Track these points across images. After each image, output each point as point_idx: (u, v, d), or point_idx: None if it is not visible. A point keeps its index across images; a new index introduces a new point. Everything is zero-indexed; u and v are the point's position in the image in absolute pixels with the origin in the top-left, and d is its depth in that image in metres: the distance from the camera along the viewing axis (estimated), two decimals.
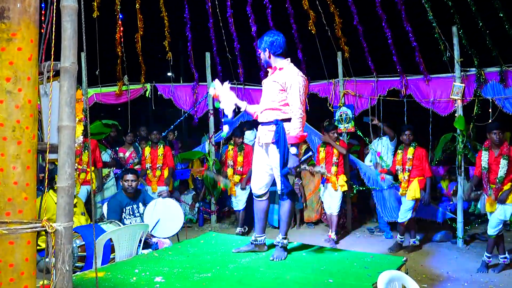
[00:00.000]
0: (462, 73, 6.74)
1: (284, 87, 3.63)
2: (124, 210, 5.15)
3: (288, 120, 3.65)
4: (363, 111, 7.77)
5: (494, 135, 5.42)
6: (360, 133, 7.60)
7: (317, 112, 8.39)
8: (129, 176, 5.21)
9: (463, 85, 6.66)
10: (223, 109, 3.86)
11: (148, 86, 8.35)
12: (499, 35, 6.54)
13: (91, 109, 8.20)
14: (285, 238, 3.81)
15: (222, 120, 4.08)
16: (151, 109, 8.65)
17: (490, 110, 6.68)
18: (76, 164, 6.74)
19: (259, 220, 4.00)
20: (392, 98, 7.51)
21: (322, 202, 7.49)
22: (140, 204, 5.28)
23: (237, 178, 7.54)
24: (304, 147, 7.80)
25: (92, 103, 8.07)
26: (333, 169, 6.79)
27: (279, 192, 3.82)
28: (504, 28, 6.29)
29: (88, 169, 6.85)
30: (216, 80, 4.00)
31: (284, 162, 3.57)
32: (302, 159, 7.42)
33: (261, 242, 3.96)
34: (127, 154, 8.11)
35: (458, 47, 6.70)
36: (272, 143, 3.67)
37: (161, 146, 7.38)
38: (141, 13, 7.99)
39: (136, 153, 8.14)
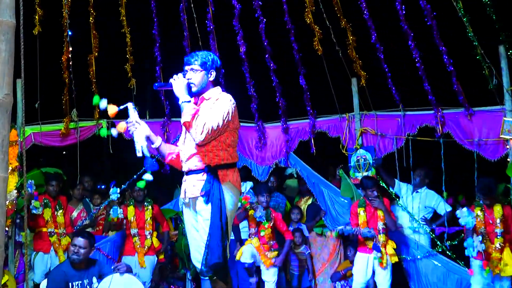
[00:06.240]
0: None
1: None
2: (70, 287, 4.70)
3: (223, 166, 3.28)
4: (386, 154, 6.86)
5: None
6: (383, 184, 6.59)
7: (327, 156, 7.67)
8: (78, 241, 4.65)
9: None
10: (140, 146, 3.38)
11: (103, 123, 7.27)
12: None
13: (29, 153, 7.23)
14: None
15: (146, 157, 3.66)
16: (107, 152, 7.74)
17: None
18: (53, 228, 6.29)
19: None
20: (424, 138, 6.77)
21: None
22: (94, 279, 4.79)
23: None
24: (308, 200, 6.94)
25: (29, 146, 7.22)
26: (381, 237, 5.82)
27: (198, 266, 3.30)
28: None
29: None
30: (130, 103, 3.42)
31: (217, 222, 3.13)
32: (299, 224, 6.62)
33: None
34: (75, 213, 7.02)
35: (507, 72, 6.12)
36: (201, 195, 3.24)
37: (149, 206, 6.48)
38: (96, 29, 7.11)
39: (87, 212, 7.13)
